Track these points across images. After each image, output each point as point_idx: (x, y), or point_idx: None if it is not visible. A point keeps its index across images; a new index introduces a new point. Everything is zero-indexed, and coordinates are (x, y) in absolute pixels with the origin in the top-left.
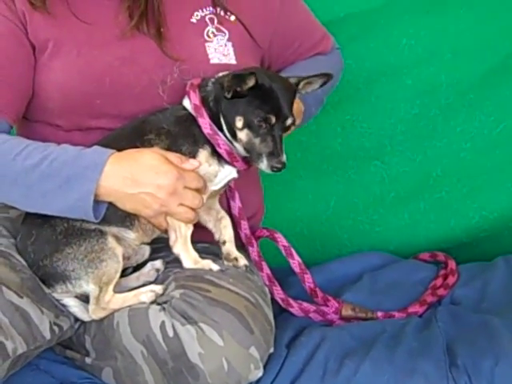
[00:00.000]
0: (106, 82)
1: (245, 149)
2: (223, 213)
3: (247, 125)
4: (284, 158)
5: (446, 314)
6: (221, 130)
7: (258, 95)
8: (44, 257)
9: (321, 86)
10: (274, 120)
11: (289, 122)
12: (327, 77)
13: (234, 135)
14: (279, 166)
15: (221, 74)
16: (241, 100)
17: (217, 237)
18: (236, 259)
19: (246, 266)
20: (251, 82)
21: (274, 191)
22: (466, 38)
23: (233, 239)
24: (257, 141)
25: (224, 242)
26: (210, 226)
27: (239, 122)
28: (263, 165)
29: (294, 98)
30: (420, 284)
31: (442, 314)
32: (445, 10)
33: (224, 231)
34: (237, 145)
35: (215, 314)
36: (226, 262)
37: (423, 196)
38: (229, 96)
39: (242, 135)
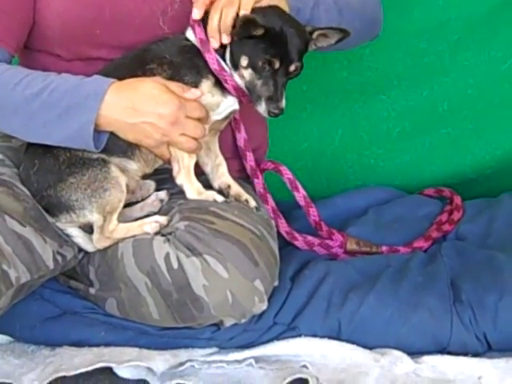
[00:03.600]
0: (106, 11)
1: (246, 87)
2: (221, 158)
3: (251, 65)
4: (283, 104)
5: (451, 249)
6: (225, 60)
7: (266, 38)
8: (47, 187)
9: (337, 41)
10: (277, 64)
11: (292, 67)
12: (344, 33)
13: (236, 68)
14: (276, 111)
15: None
16: (249, 40)
17: (216, 185)
18: (247, 201)
19: (256, 207)
20: (260, 32)
21: (279, 124)
22: None
23: (234, 182)
24: (259, 83)
25: (229, 186)
26: (208, 170)
27: (244, 61)
28: (261, 108)
29: (305, 45)
30: (425, 219)
31: (447, 250)
32: None
33: (223, 178)
34: (238, 79)
35: (220, 245)
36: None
37: (429, 131)
38: (237, 39)
39: (246, 74)
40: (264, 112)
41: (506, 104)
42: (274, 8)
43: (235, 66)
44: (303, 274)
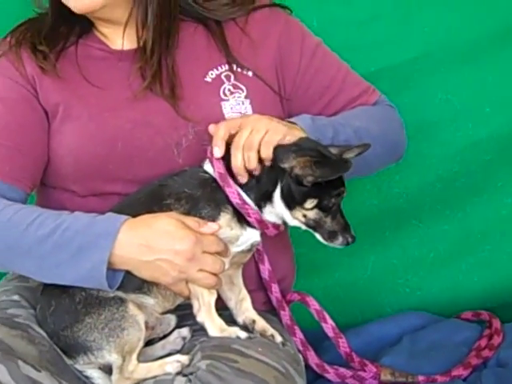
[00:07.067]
0: (118, 145)
1: (308, 225)
2: (244, 292)
3: (319, 206)
4: (352, 230)
5: (493, 377)
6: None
7: None
8: (64, 327)
9: (356, 155)
10: (345, 193)
11: (345, 193)
12: (364, 147)
13: (291, 208)
14: (351, 240)
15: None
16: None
17: (240, 320)
18: (272, 336)
19: (282, 343)
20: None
21: (308, 255)
22: (504, 90)
23: (259, 316)
24: (328, 220)
25: (254, 321)
26: (231, 305)
27: (311, 204)
28: (337, 241)
29: None
30: (463, 345)
31: (488, 378)
32: (481, 62)
33: (247, 313)
34: (293, 220)
35: None
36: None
37: (465, 255)
38: (309, 184)
39: (311, 214)
40: (341, 244)
41: None
42: (308, 140)
43: (290, 206)
44: None
